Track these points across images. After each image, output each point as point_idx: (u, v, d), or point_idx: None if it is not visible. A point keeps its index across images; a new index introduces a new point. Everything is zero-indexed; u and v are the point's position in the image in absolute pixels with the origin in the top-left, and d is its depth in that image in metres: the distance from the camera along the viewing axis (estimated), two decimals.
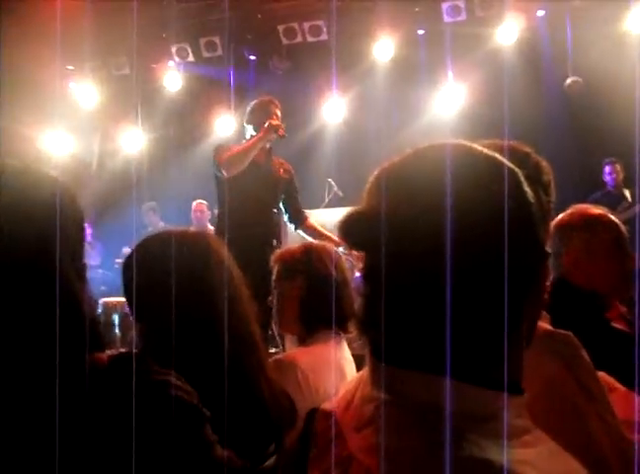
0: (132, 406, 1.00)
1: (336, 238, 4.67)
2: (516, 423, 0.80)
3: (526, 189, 0.86)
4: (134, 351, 1.55)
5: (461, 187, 0.79)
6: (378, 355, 0.85)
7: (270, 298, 2.44)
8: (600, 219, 2.30)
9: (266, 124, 4.44)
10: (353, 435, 0.84)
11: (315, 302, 2.28)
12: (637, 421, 1.50)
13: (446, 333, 0.78)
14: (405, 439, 0.76)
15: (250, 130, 4.67)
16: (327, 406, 0.97)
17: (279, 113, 4.67)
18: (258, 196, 4.52)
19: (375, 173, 0.90)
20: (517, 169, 0.87)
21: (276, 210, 4.70)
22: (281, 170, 4.75)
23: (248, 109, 4.80)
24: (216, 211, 5.50)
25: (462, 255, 0.77)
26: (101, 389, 1.01)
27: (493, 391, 0.80)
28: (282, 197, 4.75)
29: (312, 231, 4.80)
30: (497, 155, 0.87)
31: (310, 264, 2.33)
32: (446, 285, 0.77)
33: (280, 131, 4.48)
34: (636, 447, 1.37)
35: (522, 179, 0.86)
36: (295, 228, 4.87)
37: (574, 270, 2.23)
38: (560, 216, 2.33)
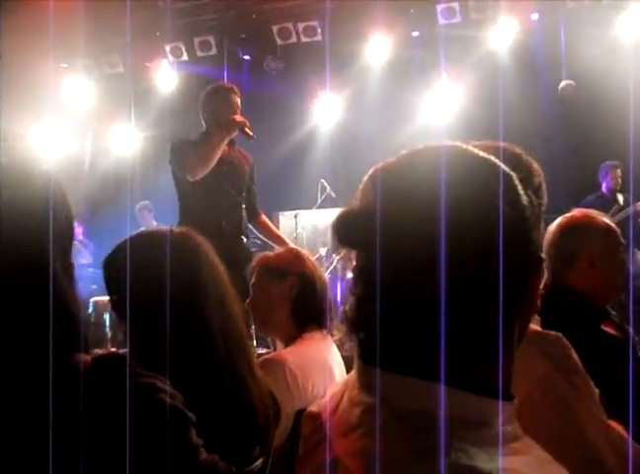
0: (115, 409, 0.98)
1: (288, 241, 4.50)
2: (505, 430, 0.79)
3: (521, 192, 0.85)
4: (121, 351, 1.54)
5: (456, 188, 0.78)
6: (367, 357, 0.84)
7: (248, 301, 2.42)
8: (613, 226, 2.33)
9: (232, 119, 4.11)
10: (339, 439, 0.83)
11: (307, 302, 2.28)
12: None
13: (439, 337, 0.77)
14: (391, 445, 0.75)
15: (208, 120, 4.35)
16: (314, 408, 0.96)
17: (239, 101, 4.31)
18: (226, 192, 4.28)
19: (370, 172, 0.89)
20: (511, 172, 0.86)
21: (244, 206, 4.43)
22: (245, 162, 4.49)
23: (204, 95, 4.41)
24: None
25: (456, 257, 0.76)
26: (83, 392, 0.99)
27: (482, 397, 0.79)
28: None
29: (265, 229, 4.62)
30: (492, 157, 0.86)
31: (301, 265, 2.34)
32: (440, 288, 0.76)
33: (248, 133, 4.17)
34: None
35: (517, 182, 0.86)
36: (247, 222, 4.55)
37: (586, 271, 2.24)
38: (567, 218, 2.34)
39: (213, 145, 4.08)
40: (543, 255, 2.32)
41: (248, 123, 4.18)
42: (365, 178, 0.89)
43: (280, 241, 4.50)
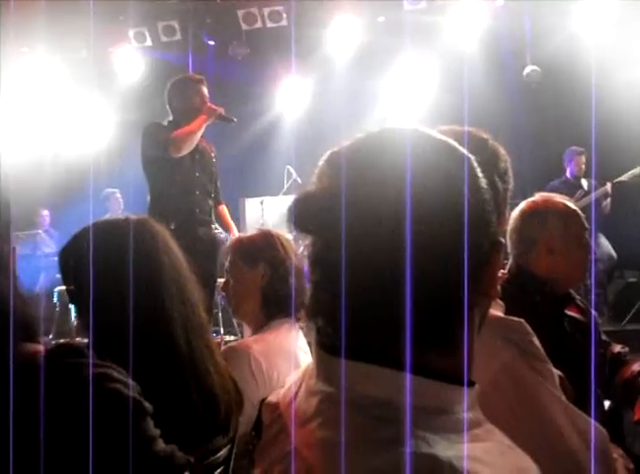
0: (68, 400, 0.96)
1: (235, 230, 4.74)
2: (465, 416, 0.78)
3: (480, 175, 0.83)
4: (84, 340, 1.51)
5: (413, 170, 0.76)
6: (324, 345, 0.82)
7: (221, 284, 2.40)
8: (574, 210, 2.32)
9: (209, 107, 4.34)
10: (297, 429, 0.81)
11: (277, 292, 2.26)
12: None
13: (400, 323, 0.75)
14: (349, 435, 0.73)
15: (177, 111, 4.45)
16: (273, 398, 0.94)
17: (207, 92, 4.48)
18: (199, 179, 4.41)
19: (326, 156, 0.87)
20: (470, 155, 0.84)
21: (213, 195, 4.58)
22: (210, 151, 4.62)
23: (173, 85, 4.52)
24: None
25: (418, 241, 0.74)
26: (35, 382, 0.96)
27: (443, 384, 0.78)
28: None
29: (219, 216, 4.72)
30: (450, 140, 0.85)
31: (273, 251, 2.30)
32: (401, 272, 0.74)
33: (228, 117, 4.42)
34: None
35: (476, 165, 0.84)
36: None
37: (545, 257, 2.24)
38: (529, 203, 2.33)
39: (198, 126, 4.23)
40: (507, 239, 2.32)
41: (224, 110, 4.40)
42: (321, 161, 0.87)
43: (227, 229, 4.75)
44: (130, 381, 1.09)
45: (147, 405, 1.12)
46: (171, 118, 4.48)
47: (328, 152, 0.86)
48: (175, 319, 1.57)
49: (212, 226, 4.52)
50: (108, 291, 1.50)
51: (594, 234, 6.54)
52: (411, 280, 0.74)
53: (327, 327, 0.81)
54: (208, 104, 4.35)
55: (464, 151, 0.84)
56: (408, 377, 0.76)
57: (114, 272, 1.51)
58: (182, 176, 4.26)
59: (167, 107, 4.50)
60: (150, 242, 1.63)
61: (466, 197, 0.77)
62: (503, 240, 0.86)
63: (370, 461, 0.71)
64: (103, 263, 1.50)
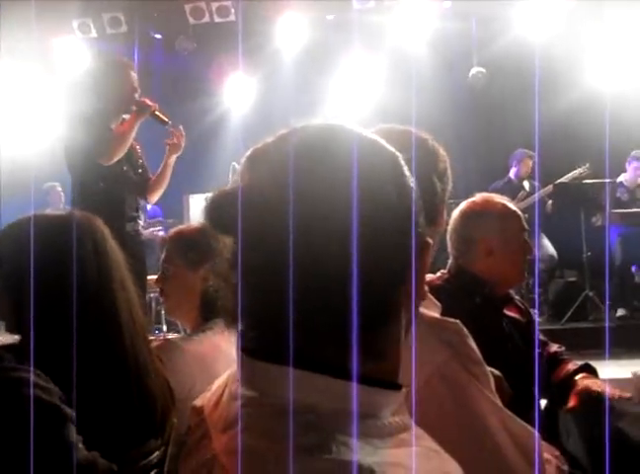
0: None
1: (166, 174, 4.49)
2: (392, 420, 0.76)
3: (407, 174, 0.81)
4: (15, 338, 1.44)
5: (332, 167, 0.74)
6: (247, 349, 0.79)
7: (156, 280, 2.31)
8: (514, 211, 2.33)
9: (142, 102, 4.09)
10: (217, 435, 0.78)
11: (217, 296, 2.19)
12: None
13: (319, 325, 0.73)
14: (270, 442, 0.70)
15: (103, 96, 4.14)
16: (198, 402, 0.91)
17: (136, 78, 4.19)
18: (126, 174, 4.22)
19: (247, 153, 0.84)
20: (397, 153, 0.82)
21: (140, 185, 4.38)
22: (138, 147, 4.41)
23: (98, 68, 4.27)
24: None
25: (332, 239, 0.72)
26: None
27: (368, 387, 0.75)
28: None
29: (155, 179, 4.50)
30: (378, 138, 0.83)
31: (216, 252, 2.22)
32: (332, 273, 0.72)
33: (163, 118, 4.19)
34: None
35: (403, 162, 0.82)
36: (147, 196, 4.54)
37: (484, 257, 2.24)
38: (468, 203, 2.34)
39: (130, 130, 4.03)
40: (447, 239, 2.32)
41: (158, 107, 4.17)
42: (243, 159, 0.84)
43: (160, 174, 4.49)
44: (52, 386, 1.04)
45: (68, 411, 1.07)
46: (95, 103, 4.17)
47: (250, 148, 0.84)
48: (125, 321, 1.51)
49: (139, 222, 4.35)
50: (53, 290, 1.42)
51: (537, 234, 6.66)
52: (331, 283, 0.72)
53: (249, 330, 0.78)
54: (142, 98, 4.12)
55: (392, 150, 0.82)
56: (354, 385, 0.73)
57: (58, 268, 1.43)
58: (111, 173, 4.06)
59: (90, 91, 4.22)
60: (102, 242, 1.56)
61: (392, 196, 0.75)
62: (430, 240, 0.84)
63: (291, 469, 0.68)
64: (50, 260, 1.42)
